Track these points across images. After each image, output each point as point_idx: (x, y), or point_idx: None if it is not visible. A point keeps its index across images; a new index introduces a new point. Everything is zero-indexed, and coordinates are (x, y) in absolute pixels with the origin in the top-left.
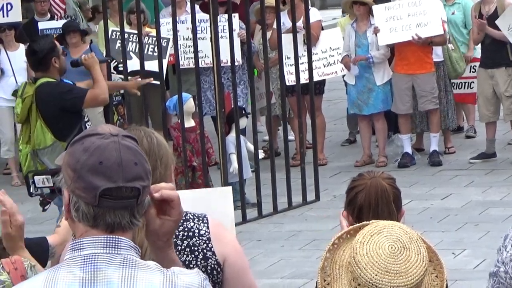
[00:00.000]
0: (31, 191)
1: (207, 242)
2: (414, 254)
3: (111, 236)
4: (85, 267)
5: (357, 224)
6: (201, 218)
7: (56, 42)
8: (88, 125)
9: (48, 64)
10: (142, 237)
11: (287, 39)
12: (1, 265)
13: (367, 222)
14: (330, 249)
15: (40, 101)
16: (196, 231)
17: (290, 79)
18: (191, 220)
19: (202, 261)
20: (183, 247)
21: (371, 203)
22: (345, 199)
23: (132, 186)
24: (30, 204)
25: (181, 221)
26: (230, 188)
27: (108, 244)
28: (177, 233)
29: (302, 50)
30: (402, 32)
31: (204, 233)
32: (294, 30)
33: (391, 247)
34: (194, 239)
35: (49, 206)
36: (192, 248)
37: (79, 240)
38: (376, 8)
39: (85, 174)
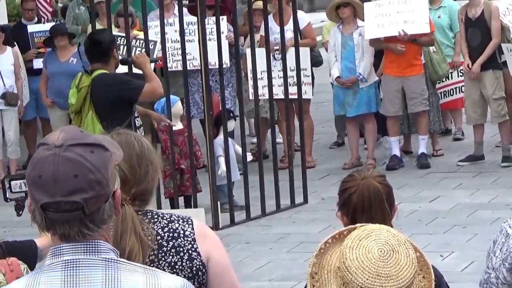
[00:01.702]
0: (7, 196)
1: (192, 242)
2: (403, 256)
3: (91, 241)
4: (66, 271)
5: (343, 228)
6: (185, 220)
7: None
8: (137, 120)
9: (110, 55)
10: (134, 241)
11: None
12: None
13: (354, 226)
14: (317, 255)
15: (95, 91)
16: (182, 232)
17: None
18: (176, 222)
19: (187, 262)
20: (168, 248)
21: (365, 204)
22: (338, 200)
23: (71, 200)
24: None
25: (166, 222)
26: (202, 209)
27: (88, 249)
28: (163, 234)
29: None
30: (389, 27)
31: (189, 234)
32: (282, 34)
33: (380, 251)
34: (179, 240)
35: (24, 210)
36: (178, 249)
37: (59, 246)
38: (367, 5)
39: (30, 187)
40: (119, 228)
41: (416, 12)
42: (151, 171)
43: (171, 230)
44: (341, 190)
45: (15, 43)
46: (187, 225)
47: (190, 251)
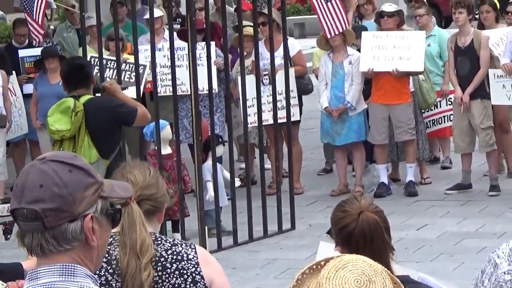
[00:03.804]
0: None
1: (196, 266)
2: (380, 287)
3: (67, 264)
4: None
5: (320, 259)
6: (188, 244)
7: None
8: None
9: (90, 80)
10: (144, 234)
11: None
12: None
13: (330, 257)
14: (294, 286)
15: (90, 115)
16: (185, 255)
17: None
18: (179, 245)
19: (191, 285)
20: (172, 270)
21: (366, 239)
22: (335, 235)
23: (31, 208)
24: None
25: (170, 245)
26: None
27: (64, 272)
28: (166, 256)
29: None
30: (384, 62)
31: (193, 258)
32: (272, 60)
33: (357, 281)
34: (183, 263)
35: (12, 234)
36: (181, 271)
37: (36, 270)
38: (365, 34)
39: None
40: (126, 222)
41: (412, 49)
42: (160, 185)
43: (175, 253)
44: (339, 227)
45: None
46: (190, 249)
47: (193, 274)
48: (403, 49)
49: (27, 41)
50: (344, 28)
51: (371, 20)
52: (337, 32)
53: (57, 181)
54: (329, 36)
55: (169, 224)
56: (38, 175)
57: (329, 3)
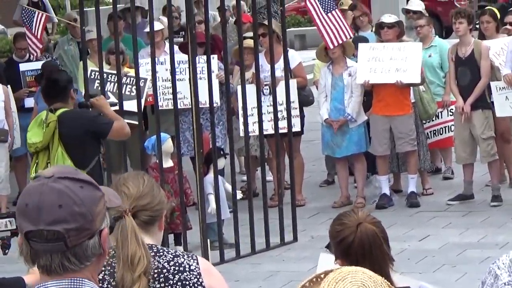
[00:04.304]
0: None
1: (198, 277)
2: None
3: (75, 279)
4: None
5: (319, 272)
6: (190, 255)
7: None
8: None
9: (68, 95)
10: (135, 247)
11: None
12: None
13: (329, 270)
14: None
15: (64, 127)
16: (187, 266)
17: (266, 128)
18: (181, 256)
19: None
20: (175, 281)
21: (365, 250)
22: (334, 248)
23: (53, 230)
24: None
25: (172, 256)
26: None
27: (72, 286)
28: (169, 268)
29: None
30: (381, 74)
31: (195, 269)
32: (272, 72)
33: None
34: (185, 274)
35: (9, 249)
36: (184, 282)
37: (43, 284)
38: (361, 46)
39: (17, 217)
40: (120, 237)
41: (409, 60)
42: (155, 192)
43: (177, 264)
44: (338, 240)
45: (7, 85)
46: (192, 260)
47: (196, 285)
48: (399, 61)
49: (28, 55)
50: (348, 38)
51: (367, 31)
52: (340, 42)
53: (75, 200)
54: (331, 47)
55: (171, 238)
56: (54, 195)
57: (329, 14)
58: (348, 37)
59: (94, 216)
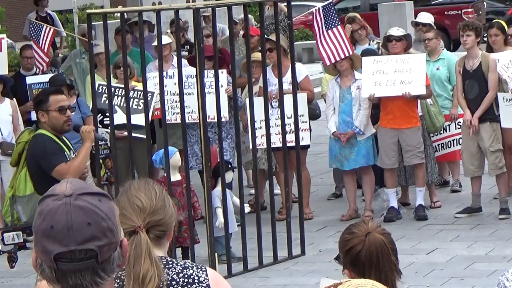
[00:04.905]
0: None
1: None
2: None
3: None
4: None
5: (328, 285)
6: (199, 267)
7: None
8: None
9: (37, 117)
10: (148, 265)
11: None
12: None
13: (339, 282)
14: None
15: (27, 150)
16: (196, 278)
17: (274, 141)
18: (190, 268)
19: None
20: None
21: (373, 260)
22: (342, 258)
23: (86, 249)
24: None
25: (181, 268)
26: None
27: None
28: (178, 280)
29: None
30: (386, 87)
31: (204, 280)
32: (280, 85)
33: None
34: (194, 286)
35: (16, 262)
36: None
37: None
38: (365, 60)
39: (40, 239)
40: (133, 253)
41: (414, 72)
42: (167, 205)
43: (186, 276)
44: (347, 249)
45: (13, 98)
46: (201, 272)
47: None
48: (404, 73)
49: (34, 68)
50: (346, 55)
51: (365, 45)
52: (338, 59)
53: (101, 215)
54: (327, 63)
55: (179, 251)
56: (81, 213)
57: (329, 31)
58: (347, 54)
59: (117, 228)
